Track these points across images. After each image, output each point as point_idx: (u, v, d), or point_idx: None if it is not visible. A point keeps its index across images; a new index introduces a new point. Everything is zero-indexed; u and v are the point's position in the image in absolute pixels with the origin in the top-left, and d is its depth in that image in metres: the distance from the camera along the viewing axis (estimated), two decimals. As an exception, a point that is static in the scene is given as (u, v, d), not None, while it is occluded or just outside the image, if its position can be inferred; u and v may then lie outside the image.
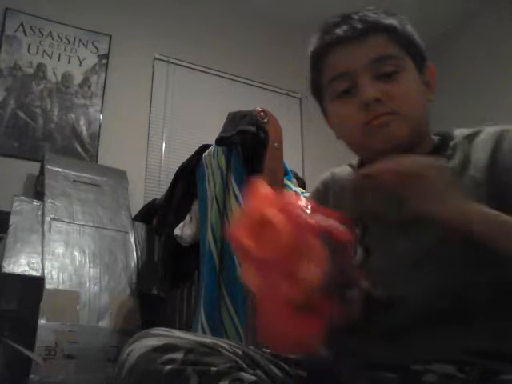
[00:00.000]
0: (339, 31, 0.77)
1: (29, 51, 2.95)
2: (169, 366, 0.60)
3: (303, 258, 0.50)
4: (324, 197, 0.91)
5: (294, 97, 3.74)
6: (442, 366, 0.64)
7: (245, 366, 0.66)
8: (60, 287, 1.88)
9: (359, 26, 0.76)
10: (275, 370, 0.70)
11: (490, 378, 0.62)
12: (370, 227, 0.77)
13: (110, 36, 3.19)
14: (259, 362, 0.68)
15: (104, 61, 3.14)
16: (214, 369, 0.61)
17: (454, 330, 0.66)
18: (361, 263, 0.75)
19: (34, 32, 2.98)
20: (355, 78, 0.76)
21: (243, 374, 0.63)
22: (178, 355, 0.61)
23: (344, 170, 0.92)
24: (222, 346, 0.66)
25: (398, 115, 0.74)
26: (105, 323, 1.88)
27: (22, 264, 1.86)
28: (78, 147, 2.94)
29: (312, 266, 0.50)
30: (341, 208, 0.79)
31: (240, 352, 0.68)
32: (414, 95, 0.76)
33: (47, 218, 2.04)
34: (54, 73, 2.99)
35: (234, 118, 1.64)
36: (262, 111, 1.56)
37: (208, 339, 0.67)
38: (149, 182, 3.09)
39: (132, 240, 2.20)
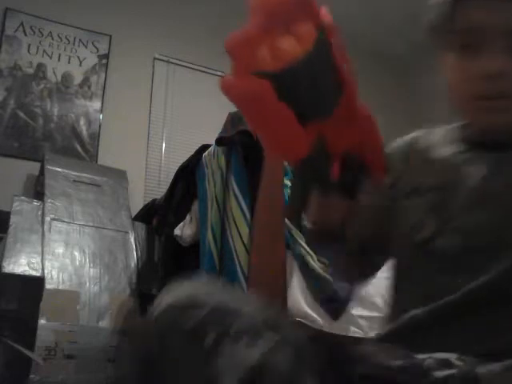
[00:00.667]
0: None
1: (29, 51, 2.94)
2: (190, 323, 0.60)
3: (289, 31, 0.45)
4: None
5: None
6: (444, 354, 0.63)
7: (266, 329, 0.64)
8: (60, 287, 1.88)
9: None
10: (299, 335, 0.67)
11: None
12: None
13: (110, 36, 3.19)
14: (282, 327, 0.66)
15: (104, 61, 3.14)
16: (234, 328, 0.60)
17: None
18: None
19: (34, 32, 2.98)
20: (486, 40, 0.65)
21: (264, 334, 0.62)
22: (200, 312, 0.60)
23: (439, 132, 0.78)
24: (247, 307, 0.64)
25: (509, 100, 0.65)
26: (105, 323, 1.88)
27: (22, 264, 1.86)
28: (78, 147, 2.94)
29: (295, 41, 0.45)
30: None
31: (264, 315, 0.66)
32: None
33: (47, 218, 2.04)
34: (54, 73, 2.99)
35: (234, 118, 1.64)
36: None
37: (235, 298, 0.65)
38: (149, 182, 3.09)
39: (132, 240, 2.20)
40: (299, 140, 0.47)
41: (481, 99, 0.67)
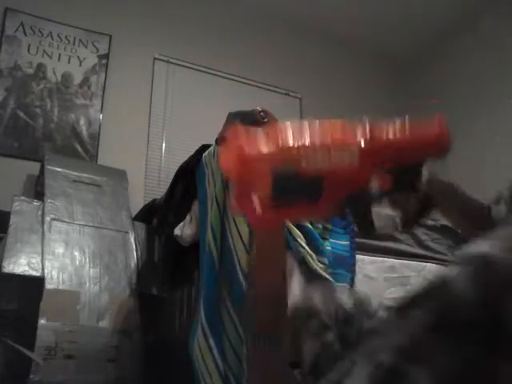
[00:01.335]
0: None
1: (29, 51, 2.95)
2: None
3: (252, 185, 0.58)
4: None
5: (294, 97, 3.74)
6: None
7: None
8: (60, 287, 1.88)
9: None
10: None
11: None
12: None
13: (110, 36, 3.19)
14: None
15: (104, 61, 3.14)
16: None
17: None
18: None
19: (34, 32, 2.98)
20: None
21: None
22: None
23: None
24: None
25: None
26: (105, 323, 1.88)
27: (22, 264, 1.86)
28: (78, 147, 2.94)
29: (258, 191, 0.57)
30: None
31: None
32: None
33: (47, 218, 2.04)
34: (54, 73, 2.99)
35: (234, 118, 1.64)
36: (261, 111, 1.56)
37: None
38: (149, 182, 3.09)
39: (132, 240, 2.20)
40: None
41: None
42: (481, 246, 0.46)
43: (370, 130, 0.59)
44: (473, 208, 0.70)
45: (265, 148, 0.59)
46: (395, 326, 0.47)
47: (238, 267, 1.48)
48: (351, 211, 0.64)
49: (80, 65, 3.07)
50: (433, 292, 0.46)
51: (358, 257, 1.86)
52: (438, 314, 0.44)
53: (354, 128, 0.60)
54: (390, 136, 0.60)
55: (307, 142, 0.58)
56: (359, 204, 0.61)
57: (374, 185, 0.59)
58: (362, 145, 0.59)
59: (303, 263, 1.44)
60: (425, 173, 0.65)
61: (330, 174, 0.58)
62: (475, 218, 0.66)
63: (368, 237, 0.66)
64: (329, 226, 1.69)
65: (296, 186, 0.58)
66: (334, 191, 0.58)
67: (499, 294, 0.41)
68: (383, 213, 0.64)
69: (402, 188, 0.61)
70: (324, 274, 1.42)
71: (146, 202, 2.68)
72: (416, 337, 0.44)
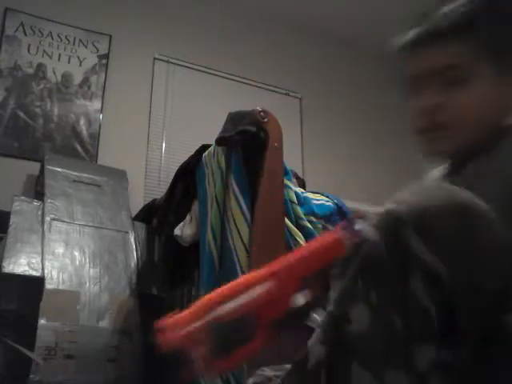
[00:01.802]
0: (413, 33, 0.77)
1: (29, 51, 2.95)
2: None
3: None
4: None
5: (294, 97, 3.74)
6: None
7: None
8: (60, 287, 1.88)
9: (430, 28, 0.74)
10: None
11: None
12: None
13: (110, 36, 3.19)
14: None
15: (104, 61, 3.14)
16: None
17: None
18: None
19: (34, 32, 2.98)
20: (422, 83, 0.76)
21: None
22: None
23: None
24: None
25: (447, 130, 0.72)
26: (105, 323, 1.88)
27: (22, 264, 1.86)
28: (78, 147, 2.94)
29: None
30: None
31: None
32: (476, 106, 0.70)
33: (47, 218, 2.04)
34: (54, 73, 2.99)
35: (234, 118, 1.64)
36: (261, 111, 1.56)
37: None
38: (149, 182, 3.09)
39: (132, 240, 2.20)
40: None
41: (421, 132, 0.77)
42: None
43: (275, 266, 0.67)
44: None
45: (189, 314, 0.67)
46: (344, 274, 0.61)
47: (238, 267, 1.48)
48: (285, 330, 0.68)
49: (80, 65, 3.07)
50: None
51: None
52: (362, 261, 0.58)
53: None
54: (292, 259, 0.67)
55: (222, 293, 0.67)
56: (290, 321, 0.66)
57: (299, 300, 0.65)
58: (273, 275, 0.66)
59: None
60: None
61: (252, 307, 0.64)
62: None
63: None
64: (329, 226, 1.69)
65: (230, 331, 0.63)
66: (262, 320, 0.64)
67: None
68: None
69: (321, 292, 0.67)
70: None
71: (146, 202, 2.68)
72: (351, 279, 0.59)
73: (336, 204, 1.82)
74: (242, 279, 0.68)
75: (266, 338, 0.63)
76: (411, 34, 0.77)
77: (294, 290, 0.65)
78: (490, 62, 0.70)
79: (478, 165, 0.67)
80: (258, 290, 0.65)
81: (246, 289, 0.66)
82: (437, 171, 0.88)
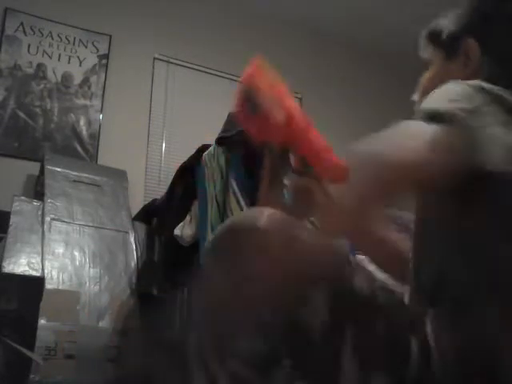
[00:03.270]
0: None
1: (29, 51, 2.95)
2: None
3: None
4: None
5: (294, 97, 3.73)
6: None
7: None
8: (60, 287, 1.88)
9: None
10: None
11: None
12: None
13: (110, 36, 3.19)
14: None
15: (104, 61, 3.14)
16: None
17: None
18: None
19: (34, 32, 2.98)
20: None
21: None
22: None
23: None
24: None
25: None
26: (105, 323, 1.88)
27: (22, 264, 1.86)
28: (78, 147, 2.94)
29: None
30: None
31: None
32: (436, 82, 0.90)
33: (47, 218, 2.04)
34: (54, 73, 2.99)
35: (234, 118, 1.64)
36: (261, 111, 1.55)
37: None
38: (149, 182, 3.09)
39: (132, 240, 2.20)
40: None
41: None
42: None
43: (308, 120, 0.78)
44: None
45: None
46: None
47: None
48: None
49: (80, 65, 3.07)
50: None
51: (358, 257, 1.86)
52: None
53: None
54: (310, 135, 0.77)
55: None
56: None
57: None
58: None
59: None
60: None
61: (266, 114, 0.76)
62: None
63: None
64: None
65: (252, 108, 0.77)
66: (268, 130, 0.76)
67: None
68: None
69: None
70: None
71: (146, 202, 2.68)
72: None
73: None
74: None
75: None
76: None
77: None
78: (442, 53, 0.96)
79: None
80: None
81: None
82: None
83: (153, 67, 3.31)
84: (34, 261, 1.89)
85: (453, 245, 0.69)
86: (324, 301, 0.63)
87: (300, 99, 3.76)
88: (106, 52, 3.15)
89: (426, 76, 0.99)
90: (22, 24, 2.95)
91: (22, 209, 2.04)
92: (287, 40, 3.81)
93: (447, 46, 0.95)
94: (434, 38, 0.98)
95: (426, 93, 0.86)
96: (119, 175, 2.53)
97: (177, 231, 1.94)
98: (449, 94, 0.73)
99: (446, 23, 0.98)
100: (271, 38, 3.75)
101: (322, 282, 0.65)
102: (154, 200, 2.49)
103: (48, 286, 1.85)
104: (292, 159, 0.79)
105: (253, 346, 0.65)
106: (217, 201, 1.63)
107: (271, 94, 0.80)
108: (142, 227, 2.33)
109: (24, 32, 2.95)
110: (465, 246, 0.68)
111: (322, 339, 0.64)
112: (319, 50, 3.92)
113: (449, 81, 0.84)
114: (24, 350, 1.62)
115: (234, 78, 3.54)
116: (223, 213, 1.62)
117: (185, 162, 2.03)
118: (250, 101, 0.79)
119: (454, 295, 0.67)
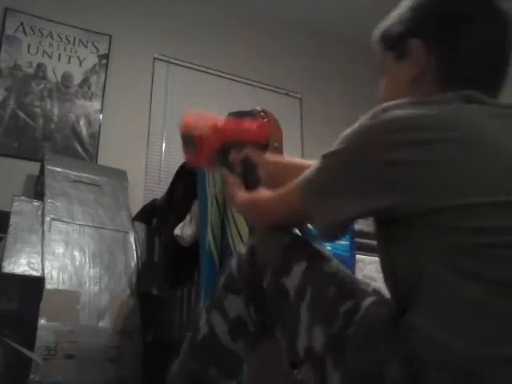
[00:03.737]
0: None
1: (29, 51, 2.95)
2: None
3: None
4: None
5: (294, 97, 3.74)
6: None
7: None
8: (60, 287, 1.88)
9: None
10: None
11: None
12: None
13: (110, 36, 3.19)
14: None
15: (104, 61, 3.14)
16: None
17: None
18: None
19: (34, 32, 2.98)
20: None
21: None
22: None
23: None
24: None
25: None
26: (105, 323, 1.88)
27: (22, 264, 1.86)
28: (78, 147, 2.94)
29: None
30: None
31: None
32: (389, 87, 1.00)
33: (47, 218, 2.04)
34: (54, 73, 2.99)
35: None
36: (261, 111, 1.56)
37: None
38: (149, 182, 3.09)
39: (132, 240, 2.20)
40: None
41: None
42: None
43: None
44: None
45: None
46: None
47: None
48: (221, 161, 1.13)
49: (80, 65, 3.07)
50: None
51: (358, 257, 1.86)
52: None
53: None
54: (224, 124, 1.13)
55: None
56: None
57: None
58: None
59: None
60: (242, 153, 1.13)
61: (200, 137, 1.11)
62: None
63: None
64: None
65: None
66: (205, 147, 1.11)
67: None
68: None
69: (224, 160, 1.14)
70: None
71: (146, 202, 2.68)
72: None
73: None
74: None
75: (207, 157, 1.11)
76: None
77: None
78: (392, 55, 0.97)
79: None
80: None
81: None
82: None
83: (153, 67, 3.31)
84: (34, 261, 1.89)
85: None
86: None
87: (300, 99, 3.77)
88: (106, 52, 3.16)
89: (382, 85, 1.02)
90: (21, 24, 2.95)
91: (22, 209, 2.04)
92: (287, 40, 3.81)
93: (395, 47, 0.95)
94: (384, 39, 0.99)
95: (386, 102, 0.88)
96: (119, 175, 2.53)
97: (177, 231, 1.94)
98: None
99: (393, 23, 0.98)
100: (271, 37, 3.75)
101: None
102: (154, 200, 2.49)
103: (48, 286, 1.85)
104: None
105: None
106: (217, 201, 1.63)
107: (195, 123, 1.09)
108: (142, 227, 2.33)
109: (24, 32, 2.95)
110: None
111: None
112: (319, 49, 3.92)
113: (400, 87, 0.94)
114: (24, 350, 1.62)
115: (234, 77, 3.54)
116: (223, 213, 1.62)
117: (185, 162, 2.03)
118: (187, 140, 1.08)
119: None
